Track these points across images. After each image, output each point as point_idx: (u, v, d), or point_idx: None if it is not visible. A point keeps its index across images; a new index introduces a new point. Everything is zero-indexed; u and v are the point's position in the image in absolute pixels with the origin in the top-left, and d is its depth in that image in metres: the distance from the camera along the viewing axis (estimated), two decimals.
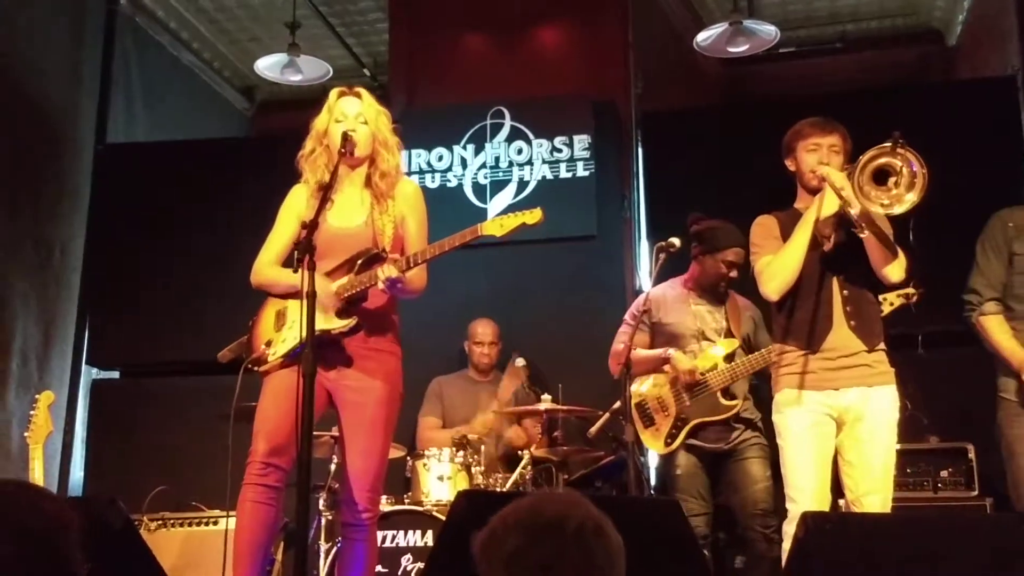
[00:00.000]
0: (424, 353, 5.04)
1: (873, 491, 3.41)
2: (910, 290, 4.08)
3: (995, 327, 3.83)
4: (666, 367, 4.54)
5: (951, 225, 5.18)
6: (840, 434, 3.48)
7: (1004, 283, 3.85)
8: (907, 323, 4.33)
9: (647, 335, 4.67)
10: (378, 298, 3.38)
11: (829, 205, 3.42)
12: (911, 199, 3.26)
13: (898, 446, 4.62)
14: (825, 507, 3.42)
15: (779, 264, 3.49)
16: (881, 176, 3.30)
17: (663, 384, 4.56)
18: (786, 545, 3.40)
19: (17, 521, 1.90)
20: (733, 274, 4.54)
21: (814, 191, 3.53)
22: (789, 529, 3.39)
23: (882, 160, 3.28)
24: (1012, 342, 3.78)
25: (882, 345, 3.54)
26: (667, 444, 4.51)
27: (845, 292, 3.49)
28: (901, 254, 3.45)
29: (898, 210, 3.28)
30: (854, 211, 3.29)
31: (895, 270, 3.43)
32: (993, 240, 3.90)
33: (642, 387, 4.65)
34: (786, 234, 3.56)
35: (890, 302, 4.10)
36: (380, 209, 3.45)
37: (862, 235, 3.33)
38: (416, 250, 3.39)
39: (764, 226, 3.68)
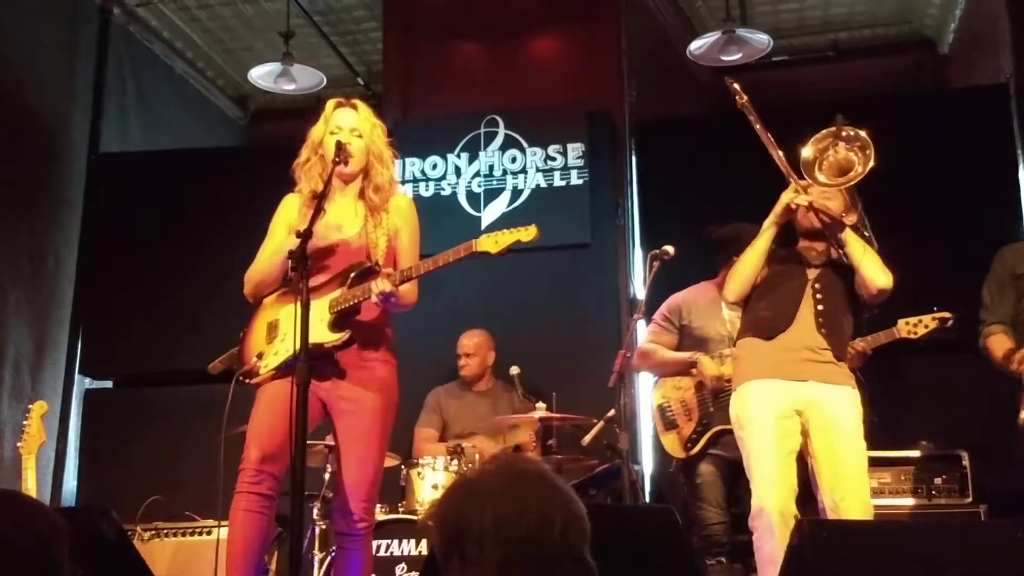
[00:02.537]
0: (418, 363, 5.03)
1: (849, 495, 3.38)
2: (946, 314, 4.10)
3: (993, 343, 3.99)
4: (692, 371, 4.53)
5: (943, 233, 5.21)
6: (811, 439, 3.46)
7: (1011, 309, 4.01)
8: None
9: (675, 337, 4.67)
10: (371, 310, 3.37)
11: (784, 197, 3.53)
12: (870, 160, 3.35)
13: (892, 453, 4.67)
14: (791, 501, 3.39)
15: (737, 269, 3.59)
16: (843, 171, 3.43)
17: (688, 388, 4.56)
18: (758, 543, 3.38)
19: (3, 535, 1.89)
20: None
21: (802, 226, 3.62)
22: (755, 524, 3.40)
23: (831, 152, 3.40)
24: (1004, 349, 3.91)
25: (844, 362, 3.57)
26: (687, 449, 4.50)
27: (820, 307, 3.54)
28: (878, 260, 3.51)
29: (863, 170, 3.37)
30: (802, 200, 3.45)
31: (876, 274, 3.48)
32: (995, 277, 4.08)
33: (665, 390, 4.65)
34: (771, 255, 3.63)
35: (925, 324, 4.12)
36: (374, 222, 3.45)
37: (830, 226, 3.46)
38: (408, 263, 3.38)
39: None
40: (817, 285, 3.56)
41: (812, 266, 3.60)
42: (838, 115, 3.40)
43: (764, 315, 3.56)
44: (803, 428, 3.47)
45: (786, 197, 3.51)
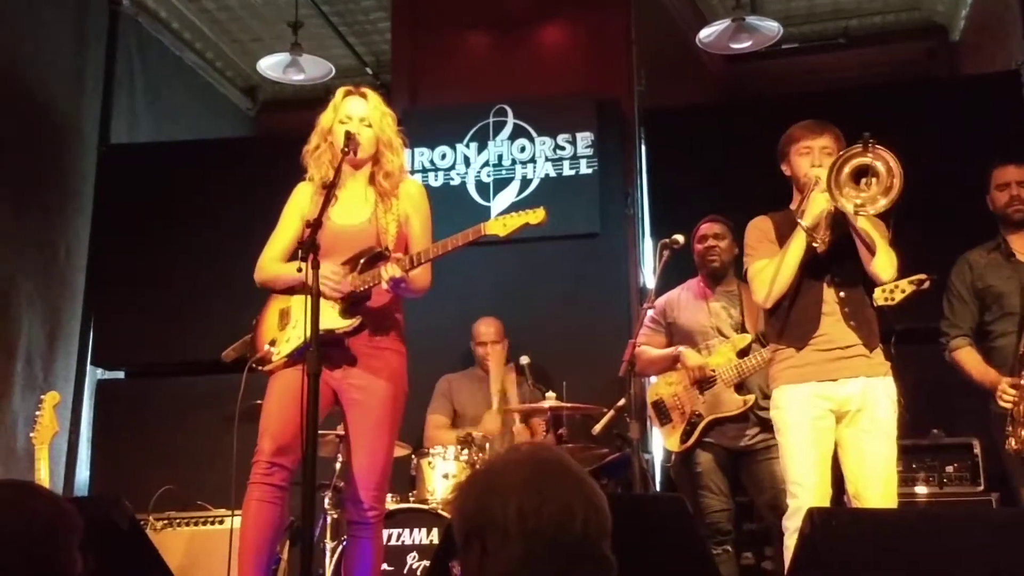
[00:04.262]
0: (428, 351, 5.03)
1: (874, 484, 3.40)
2: (922, 276, 4.12)
3: (964, 358, 4.14)
4: (678, 365, 4.55)
5: (955, 219, 5.19)
6: (840, 427, 3.47)
7: (975, 320, 4.18)
8: (913, 317, 4.32)
9: (664, 336, 4.70)
10: (382, 297, 3.38)
11: (817, 204, 3.42)
12: (884, 203, 3.26)
13: (904, 441, 4.65)
14: (826, 502, 3.41)
15: (773, 272, 3.50)
16: (860, 175, 3.31)
17: (678, 382, 4.57)
18: (788, 540, 3.40)
19: (12, 524, 1.89)
20: (710, 244, 4.61)
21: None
22: (790, 524, 3.40)
23: (857, 161, 3.28)
24: (981, 366, 4.06)
25: (879, 347, 3.55)
26: (683, 441, 4.51)
27: (841, 294, 3.52)
28: (892, 252, 3.46)
29: (871, 210, 3.29)
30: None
31: (885, 267, 3.44)
32: (955, 289, 4.23)
33: (659, 386, 4.67)
34: (781, 235, 3.58)
35: (902, 289, 4.12)
36: (384, 207, 3.46)
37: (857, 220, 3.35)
38: (419, 249, 3.39)
39: (759, 228, 3.69)
40: (837, 279, 3.53)
41: (822, 254, 3.56)
42: (865, 133, 3.28)
43: (792, 320, 3.54)
44: (837, 422, 3.48)
45: (822, 201, 3.39)
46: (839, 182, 3.29)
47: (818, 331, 3.48)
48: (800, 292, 3.52)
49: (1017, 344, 3.95)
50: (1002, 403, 3.89)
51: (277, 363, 3.38)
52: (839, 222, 3.49)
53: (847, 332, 3.48)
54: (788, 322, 3.55)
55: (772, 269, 3.52)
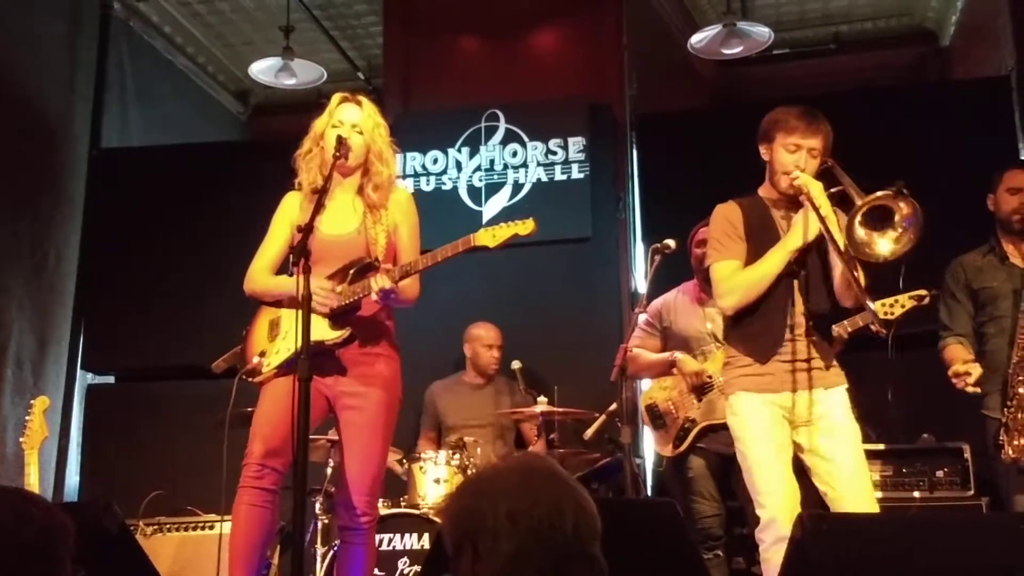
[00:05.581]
0: (419, 357, 5.00)
1: (852, 486, 3.30)
2: (922, 292, 4.10)
3: (947, 352, 4.13)
4: (673, 370, 4.54)
5: (945, 225, 5.21)
6: (799, 437, 3.37)
7: (971, 320, 4.17)
8: (904, 323, 4.33)
9: (658, 340, 4.69)
10: (372, 306, 3.37)
11: (811, 230, 3.32)
12: (890, 249, 3.18)
13: (894, 446, 4.67)
14: (796, 508, 3.26)
15: (744, 283, 3.40)
16: (875, 217, 3.19)
17: (672, 387, 4.57)
18: (764, 554, 3.30)
19: (5, 530, 1.88)
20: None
21: (782, 192, 3.46)
22: (765, 536, 3.29)
23: (879, 203, 3.18)
24: (954, 353, 4.06)
25: (835, 363, 3.47)
26: (676, 447, 4.51)
27: (809, 307, 3.41)
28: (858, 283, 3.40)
29: (877, 255, 3.19)
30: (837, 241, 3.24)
31: (848, 297, 3.39)
32: (950, 291, 4.23)
33: (653, 390, 4.67)
34: (749, 225, 3.47)
35: (902, 304, 4.11)
36: (373, 218, 3.44)
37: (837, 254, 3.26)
38: (409, 258, 3.39)
39: (727, 219, 3.53)
40: (805, 290, 3.42)
41: (794, 267, 3.44)
42: (900, 181, 3.16)
43: (754, 331, 3.43)
44: (795, 436, 3.41)
45: (815, 227, 3.31)
46: (853, 227, 3.17)
47: (782, 345, 3.40)
48: (768, 304, 3.41)
49: (1009, 352, 3.92)
50: (955, 380, 3.89)
51: (267, 374, 3.37)
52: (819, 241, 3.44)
53: (808, 347, 3.38)
54: (752, 333, 3.44)
55: (744, 280, 3.41)
